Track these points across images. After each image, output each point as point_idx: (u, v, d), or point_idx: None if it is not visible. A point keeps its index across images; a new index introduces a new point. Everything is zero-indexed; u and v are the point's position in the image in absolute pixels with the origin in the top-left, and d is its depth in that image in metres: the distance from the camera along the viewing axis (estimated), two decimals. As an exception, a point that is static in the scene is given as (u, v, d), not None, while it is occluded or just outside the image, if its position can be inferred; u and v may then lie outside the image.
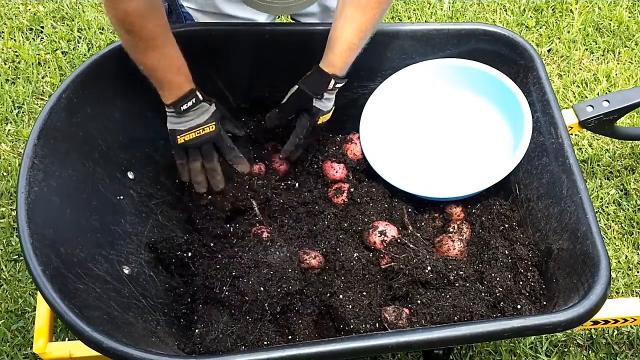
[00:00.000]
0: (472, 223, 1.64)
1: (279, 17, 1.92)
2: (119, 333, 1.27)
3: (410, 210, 1.65)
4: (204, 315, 1.46)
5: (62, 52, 2.63)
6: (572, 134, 2.20)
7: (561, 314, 1.24)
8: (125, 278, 1.46)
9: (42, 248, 1.29)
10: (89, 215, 1.48)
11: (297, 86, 1.59)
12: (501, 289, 1.45)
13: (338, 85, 1.57)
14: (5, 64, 2.60)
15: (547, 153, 1.55)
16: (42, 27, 2.73)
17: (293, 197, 1.70)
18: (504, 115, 1.70)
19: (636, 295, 1.98)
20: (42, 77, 2.56)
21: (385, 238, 1.56)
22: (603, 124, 1.90)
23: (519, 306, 1.42)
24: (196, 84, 1.55)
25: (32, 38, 2.69)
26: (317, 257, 1.55)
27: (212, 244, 1.60)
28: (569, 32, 2.67)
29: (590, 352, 1.87)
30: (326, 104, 1.61)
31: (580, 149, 2.31)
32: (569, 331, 1.86)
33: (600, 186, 2.22)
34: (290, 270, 1.48)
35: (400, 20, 2.73)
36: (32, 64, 2.58)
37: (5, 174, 2.27)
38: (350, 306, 1.46)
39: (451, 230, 1.63)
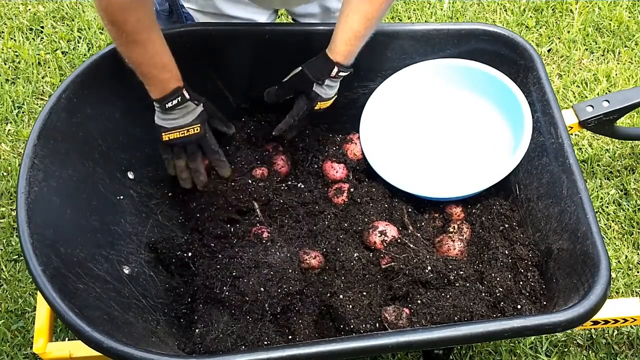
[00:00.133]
0: (472, 223, 1.64)
1: (279, 17, 1.92)
2: (119, 333, 1.27)
3: (410, 210, 1.65)
4: (204, 315, 1.46)
5: (62, 52, 2.63)
6: (572, 134, 2.20)
7: (561, 314, 1.24)
8: (125, 278, 1.46)
9: (42, 248, 1.29)
10: (89, 215, 1.48)
11: (300, 68, 1.58)
12: (501, 289, 1.45)
13: (342, 74, 1.56)
14: (5, 64, 2.60)
15: (547, 153, 1.55)
16: (42, 27, 2.73)
17: (293, 197, 1.70)
18: (504, 115, 1.70)
19: (636, 295, 1.98)
20: (42, 77, 2.56)
21: (385, 238, 1.56)
22: (603, 124, 1.90)
23: (519, 306, 1.42)
24: (196, 84, 1.55)
25: (32, 38, 2.69)
26: (317, 257, 1.55)
27: (212, 244, 1.60)
28: (569, 32, 2.67)
29: (590, 352, 1.87)
30: (327, 91, 1.60)
31: (580, 149, 2.31)
32: (569, 331, 1.86)
33: (600, 186, 2.22)
34: (290, 270, 1.48)
35: (400, 20, 2.73)
36: (32, 64, 2.58)
37: (5, 174, 2.27)
38: (351, 306, 1.46)
39: (451, 230, 1.63)
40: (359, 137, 1.75)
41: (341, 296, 1.48)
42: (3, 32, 2.71)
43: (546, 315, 1.25)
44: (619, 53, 2.60)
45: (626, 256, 2.05)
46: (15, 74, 2.57)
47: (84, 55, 2.62)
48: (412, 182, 1.64)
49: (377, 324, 1.44)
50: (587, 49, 2.62)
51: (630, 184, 2.21)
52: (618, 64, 2.56)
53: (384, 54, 1.74)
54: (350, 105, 1.83)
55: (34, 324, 1.62)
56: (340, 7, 1.52)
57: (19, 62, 2.61)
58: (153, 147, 1.72)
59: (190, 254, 1.58)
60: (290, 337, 1.45)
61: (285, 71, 1.66)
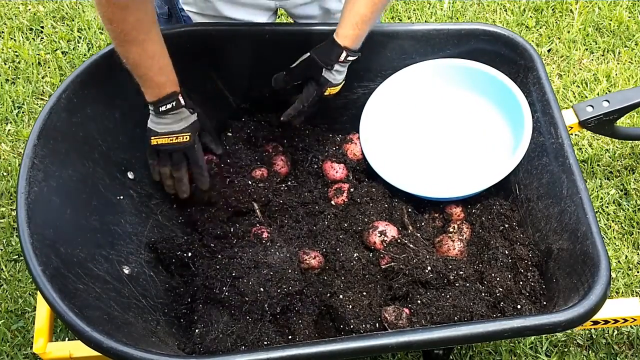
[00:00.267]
0: (472, 223, 1.64)
1: (278, 17, 1.91)
2: (119, 333, 1.27)
3: (410, 210, 1.65)
4: (204, 315, 1.46)
5: (62, 52, 2.63)
6: (572, 134, 2.20)
7: (561, 314, 1.24)
8: (125, 278, 1.46)
9: (42, 248, 1.29)
10: (89, 215, 1.48)
11: (308, 54, 1.58)
12: (501, 289, 1.45)
13: (350, 58, 1.55)
14: (5, 64, 2.60)
15: (547, 153, 1.55)
16: (42, 27, 2.73)
17: (293, 197, 1.70)
18: (504, 115, 1.70)
19: (636, 295, 1.98)
20: (42, 77, 2.56)
21: (385, 238, 1.56)
22: (603, 124, 1.90)
23: (519, 306, 1.42)
24: (196, 84, 1.55)
25: (32, 38, 2.69)
26: (317, 257, 1.55)
27: (212, 244, 1.60)
28: (569, 32, 2.67)
29: (590, 352, 1.87)
30: (336, 76, 1.59)
31: (580, 149, 2.31)
32: (569, 331, 1.86)
33: (600, 186, 2.22)
34: (290, 270, 1.48)
35: (400, 20, 2.73)
36: (32, 64, 2.58)
37: (5, 174, 2.27)
38: (350, 306, 1.46)
39: (451, 230, 1.63)
40: (359, 137, 1.75)
41: (341, 296, 1.48)
42: (3, 32, 2.71)
43: (546, 315, 1.25)
44: (619, 53, 2.60)
45: (626, 256, 2.05)
46: (15, 74, 2.57)
47: (84, 55, 2.62)
48: (412, 182, 1.64)
49: (377, 324, 1.44)
50: (587, 49, 2.62)
51: (630, 184, 2.21)
52: (618, 64, 2.56)
53: (384, 54, 1.74)
54: (350, 105, 1.83)
55: (34, 324, 1.62)
56: None
57: (19, 62, 2.61)
58: (153, 147, 1.72)
59: (190, 254, 1.58)
60: (290, 337, 1.45)
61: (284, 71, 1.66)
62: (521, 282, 1.47)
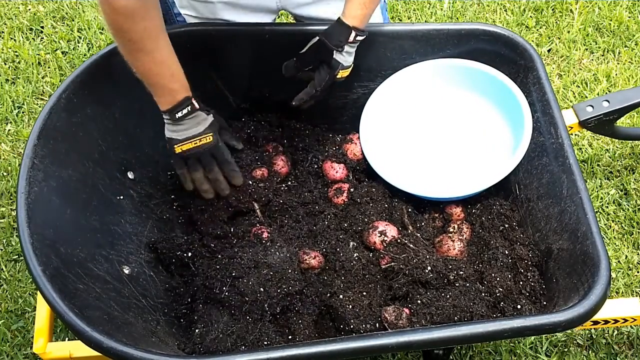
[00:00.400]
0: (472, 223, 1.64)
1: (278, 17, 1.91)
2: (119, 333, 1.27)
3: (410, 210, 1.65)
4: (204, 315, 1.46)
5: (62, 52, 2.63)
6: (572, 134, 2.20)
7: (561, 314, 1.24)
8: (125, 278, 1.46)
9: (42, 248, 1.29)
10: (89, 215, 1.48)
11: (317, 37, 1.57)
12: (501, 289, 1.45)
13: (359, 38, 1.55)
14: (5, 64, 2.60)
15: (547, 153, 1.55)
16: (42, 27, 2.73)
17: (293, 197, 1.70)
18: (504, 115, 1.70)
19: (636, 295, 1.98)
20: (42, 77, 2.56)
21: (385, 238, 1.56)
22: (603, 124, 1.90)
23: (519, 306, 1.42)
24: (196, 84, 1.55)
25: (32, 38, 2.69)
26: (317, 257, 1.55)
27: (212, 244, 1.60)
28: (569, 32, 2.67)
29: (590, 352, 1.87)
30: (347, 57, 1.58)
31: (580, 149, 2.31)
32: (569, 331, 1.86)
33: (600, 186, 2.22)
34: (290, 270, 1.48)
35: (400, 20, 2.73)
36: (32, 64, 2.58)
37: (5, 174, 2.27)
38: (350, 306, 1.46)
39: (451, 230, 1.63)
40: (359, 137, 1.75)
41: (341, 296, 1.48)
42: (3, 32, 2.71)
43: (546, 315, 1.25)
44: (619, 53, 2.60)
45: (626, 256, 2.05)
46: (15, 74, 2.57)
47: (84, 55, 2.62)
48: (412, 182, 1.64)
49: (377, 324, 1.44)
50: (587, 49, 2.62)
51: (630, 184, 2.21)
52: (618, 64, 2.56)
53: (384, 54, 1.74)
54: (350, 105, 1.83)
55: (34, 324, 1.62)
56: None
57: (19, 62, 2.61)
58: (153, 147, 1.72)
59: (190, 254, 1.58)
60: (290, 337, 1.45)
61: (285, 71, 1.66)
62: (521, 282, 1.47)
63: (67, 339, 1.86)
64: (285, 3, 1.76)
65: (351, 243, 1.57)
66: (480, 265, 1.52)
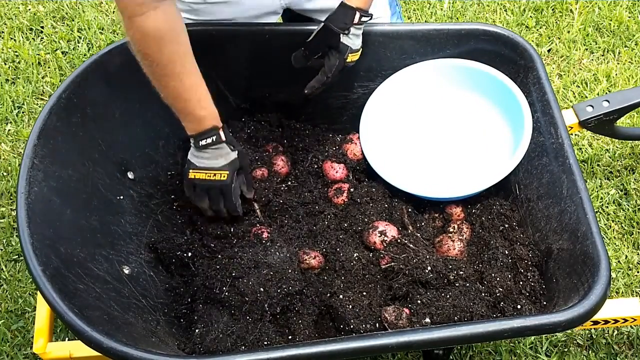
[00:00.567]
0: (472, 223, 1.64)
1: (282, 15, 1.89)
2: (119, 333, 1.27)
3: (410, 210, 1.65)
4: (204, 315, 1.46)
5: (62, 52, 2.63)
6: (572, 134, 2.20)
7: (561, 314, 1.24)
8: (125, 278, 1.46)
9: (42, 248, 1.29)
10: (89, 215, 1.48)
11: (322, 23, 1.55)
12: (501, 289, 1.45)
13: (364, 19, 1.54)
14: (5, 64, 2.60)
15: (547, 153, 1.55)
16: (42, 27, 2.73)
17: (293, 197, 1.70)
18: (504, 115, 1.70)
19: (636, 295, 1.98)
20: (42, 77, 2.56)
21: (385, 238, 1.56)
22: (603, 124, 1.90)
23: (519, 306, 1.42)
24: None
25: (32, 38, 2.69)
26: (317, 257, 1.55)
27: (212, 244, 1.60)
28: (569, 32, 2.67)
29: (590, 352, 1.87)
30: (354, 40, 1.57)
31: (580, 149, 2.31)
32: (569, 331, 1.86)
33: (600, 186, 2.22)
34: (290, 270, 1.48)
35: (400, 20, 2.73)
36: (32, 64, 2.58)
37: (5, 174, 2.27)
38: (350, 306, 1.46)
39: (451, 230, 1.63)
40: (359, 137, 1.75)
41: (341, 296, 1.48)
42: (3, 32, 2.71)
43: (546, 315, 1.25)
44: (619, 53, 2.60)
45: (626, 256, 2.05)
46: (15, 74, 2.57)
47: (84, 55, 2.62)
48: (412, 182, 1.64)
49: (377, 324, 1.44)
50: (587, 49, 2.62)
51: (630, 184, 2.21)
52: (618, 64, 2.56)
53: (384, 54, 1.74)
54: (350, 105, 1.83)
55: (34, 324, 1.62)
56: None
57: (19, 62, 2.61)
58: (153, 147, 1.72)
59: (190, 254, 1.58)
60: (290, 337, 1.45)
61: (285, 71, 1.66)
62: (521, 282, 1.47)
63: (67, 339, 1.86)
64: (290, 1, 1.75)
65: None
66: (480, 265, 1.52)
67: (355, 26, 1.54)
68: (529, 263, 1.50)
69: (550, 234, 1.50)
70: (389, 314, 1.43)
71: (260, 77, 1.78)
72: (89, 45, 2.65)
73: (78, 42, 2.67)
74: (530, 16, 2.73)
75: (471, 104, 1.75)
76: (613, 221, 2.14)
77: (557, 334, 1.88)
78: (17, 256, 2.08)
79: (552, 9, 2.76)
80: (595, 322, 1.56)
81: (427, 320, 1.40)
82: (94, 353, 1.22)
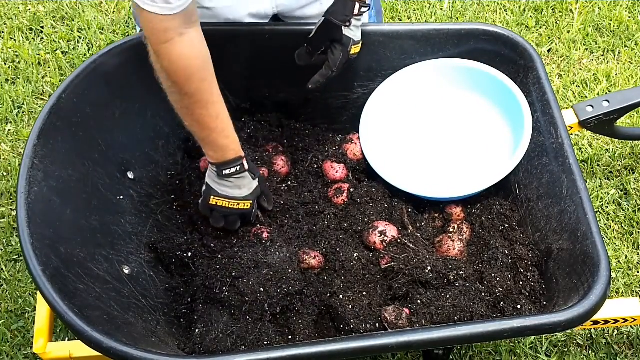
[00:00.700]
0: (472, 223, 1.64)
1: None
2: (119, 333, 1.27)
3: (410, 210, 1.65)
4: (204, 315, 1.46)
5: (62, 52, 2.63)
6: (572, 134, 2.20)
7: (561, 314, 1.24)
8: (125, 278, 1.46)
9: (42, 248, 1.29)
10: (89, 215, 1.48)
11: (323, 18, 1.56)
12: (501, 289, 1.45)
13: (364, 10, 1.54)
14: (5, 64, 2.60)
15: (547, 153, 1.55)
16: (42, 27, 2.73)
17: (293, 197, 1.70)
18: (504, 115, 1.70)
19: (636, 295, 1.98)
20: (42, 77, 2.56)
21: (385, 238, 1.56)
22: (603, 124, 1.90)
23: (519, 306, 1.42)
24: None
25: (32, 38, 2.69)
26: (317, 257, 1.55)
27: (212, 244, 1.60)
28: (569, 32, 2.67)
29: (590, 352, 1.87)
30: (355, 32, 1.57)
31: (580, 149, 2.31)
32: (569, 331, 1.86)
33: (600, 186, 2.22)
34: (290, 270, 1.48)
35: (400, 20, 2.73)
36: (32, 64, 2.58)
37: (5, 174, 2.27)
38: (350, 306, 1.46)
39: (451, 230, 1.63)
40: (359, 137, 1.75)
41: (341, 296, 1.48)
42: (3, 32, 2.71)
43: (546, 315, 1.25)
44: (619, 53, 2.60)
45: (626, 256, 2.05)
46: (15, 74, 2.57)
47: (84, 55, 2.61)
48: (412, 182, 1.64)
49: (377, 324, 1.44)
50: (587, 49, 2.62)
51: (630, 184, 2.20)
52: (618, 64, 2.56)
53: (384, 54, 1.74)
54: (350, 105, 1.83)
55: (34, 324, 1.62)
56: None
57: (19, 62, 2.61)
58: (153, 147, 1.72)
59: (190, 254, 1.58)
60: (290, 337, 1.45)
61: (285, 71, 1.66)
62: (521, 282, 1.47)
63: (67, 339, 1.86)
64: (281, 6, 1.75)
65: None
66: (480, 265, 1.52)
67: (355, 17, 1.54)
68: (529, 263, 1.50)
69: (550, 234, 1.50)
70: (389, 314, 1.43)
71: (260, 77, 1.78)
72: (89, 45, 2.65)
73: (78, 42, 2.67)
74: (530, 16, 2.73)
75: (471, 104, 1.75)
76: (613, 221, 2.14)
77: (557, 334, 1.88)
78: (17, 256, 2.08)
79: (552, 9, 2.76)
80: (595, 322, 1.56)
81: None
82: (94, 353, 1.22)
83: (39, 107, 2.47)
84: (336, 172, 1.74)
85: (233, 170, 1.47)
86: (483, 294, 1.45)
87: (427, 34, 1.72)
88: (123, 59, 1.60)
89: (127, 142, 1.65)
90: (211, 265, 1.52)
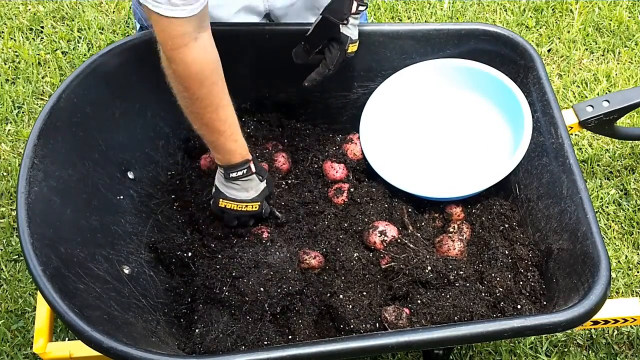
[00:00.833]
0: (472, 223, 1.64)
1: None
2: (119, 333, 1.27)
3: (410, 210, 1.65)
4: (204, 315, 1.46)
5: (62, 52, 2.63)
6: (572, 134, 2.20)
7: (561, 314, 1.24)
8: (126, 278, 1.46)
9: (42, 248, 1.29)
10: (89, 215, 1.48)
11: (320, 16, 1.55)
12: (501, 289, 1.45)
13: (361, 9, 1.54)
14: (5, 64, 2.60)
15: (547, 153, 1.55)
16: (42, 27, 2.73)
17: (293, 197, 1.70)
18: (504, 115, 1.70)
19: (636, 295, 1.98)
20: (42, 77, 2.56)
21: (385, 238, 1.56)
22: (603, 124, 1.90)
23: (519, 306, 1.42)
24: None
25: (32, 38, 2.69)
26: (317, 257, 1.55)
27: (212, 244, 1.60)
28: (569, 32, 2.67)
29: (590, 352, 1.87)
30: (353, 30, 1.57)
31: (580, 149, 2.31)
32: (569, 331, 1.86)
33: (600, 186, 2.22)
34: (290, 270, 1.48)
35: (400, 20, 2.73)
36: (32, 64, 2.58)
37: (5, 174, 2.27)
38: (350, 306, 1.46)
39: (451, 230, 1.63)
40: (359, 137, 1.75)
41: (341, 296, 1.48)
42: (3, 32, 2.71)
43: (546, 315, 1.25)
44: (619, 53, 2.60)
45: (626, 256, 2.05)
46: (15, 74, 2.57)
47: (84, 55, 2.61)
48: (412, 182, 1.64)
49: (377, 324, 1.44)
50: (587, 49, 2.62)
51: (630, 184, 2.20)
52: (618, 64, 2.56)
53: (384, 54, 1.74)
54: (350, 105, 1.83)
55: (34, 324, 1.62)
56: None
57: (19, 62, 2.61)
58: (153, 147, 1.72)
59: (190, 254, 1.58)
60: (290, 337, 1.45)
61: (285, 71, 1.66)
62: (521, 282, 1.47)
63: (67, 339, 1.86)
64: (273, 5, 1.75)
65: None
66: (480, 265, 1.52)
67: (352, 16, 1.54)
68: (529, 263, 1.50)
69: (550, 234, 1.50)
70: (389, 314, 1.43)
71: (260, 77, 1.78)
72: (89, 45, 2.65)
73: (78, 42, 2.67)
74: (530, 16, 2.73)
75: (471, 104, 1.75)
76: (613, 221, 2.14)
77: (557, 334, 1.88)
78: (17, 256, 2.08)
79: (552, 9, 2.76)
80: (595, 322, 1.56)
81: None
82: (94, 353, 1.22)
83: (39, 107, 2.47)
84: (336, 172, 1.74)
85: (240, 173, 1.48)
86: (483, 294, 1.45)
87: (427, 34, 1.72)
88: (123, 59, 1.60)
89: (127, 142, 1.65)
90: (211, 265, 1.52)
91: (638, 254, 2.06)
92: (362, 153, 1.73)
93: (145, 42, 1.55)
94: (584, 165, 2.27)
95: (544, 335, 1.89)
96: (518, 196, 1.63)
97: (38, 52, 2.63)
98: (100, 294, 1.35)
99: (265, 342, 1.41)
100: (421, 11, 2.75)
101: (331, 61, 1.57)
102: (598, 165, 2.27)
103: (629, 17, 2.71)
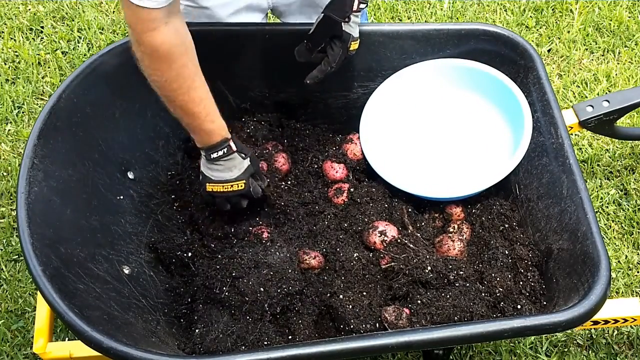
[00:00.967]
0: (472, 223, 1.64)
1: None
2: (119, 333, 1.27)
3: (410, 210, 1.65)
4: (204, 315, 1.46)
5: (62, 52, 2.63)
6: (572, 134, 2.20)
7: (561, 314, 1.24)
8: (125, 278, 1.46)
9: (42, 248, 1.29)
10: (89, 215, 1.48)
11: (322, 14, 1.56)
12: (501, 289, 1.45)
13: (362, 6, 1.54)
14: (5, 64, 2.60)
15: (547, 153, 1.55)
16: (42, 27, 2.73)
17: (293, 197, 1.70)
18: (504, 115, 1.70)
19: (636, 295, 1.98)
20: (42, 77, 2.56)
21: (385, 238, 1.56)
22: (603, 124, 1.90)
23: (519, 306, 1.42)
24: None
25: (32, 38, 2.69)
26: (317, 257, 1.55)
27: (212, 245, 1.60)
28: (569, 32, 2.67)
29: (590, 352, 1.87)
30: (354, 28, 1.57)
31: (580, 149, 2.31)
32: (569, 331, 1.86)
33: (600, 186, 2.22)
34: (290, 270, 1.48)
35: (400, 20, 2.73)
36: (32, 64, 2.58)
37: (5, 174, 2.27)
38: (350, 306, 1.46)
39: (451, 230, 1.63)
40: (359, 137, 1.75)
41: (341, 296, 1.48)
42: (3, 32, 2.71)
43: (546, 315, 1.25)
44: (619, 53, 2.60)
45: (626, 256, 2.05)
46: (15, 74, 2.57)
47: (84, 55, 2.62)
48: (412, 182, 1.64)
49: (377, 324, 1.44)
50: (587, 49, 2.62)
51: (630, 184, 2.20)
52: (618, 64, 2.56)
53: (384, 54, 1.74)
54: (350, 105, 1.83)
55: (34, 324, 1.62)
56: None
57: (19, 62, 2.61)
58: (153, 147, 1.72)
59: (190, 254, 1.58)
60: (290, 337, 1.45)
61: (285, 71, 1.66)
62: (521, 282, 1.47)
63: (67, 339, 1.86)
64: (277, 2, 1.75)
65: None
66: (480, 265, 1.52)
67: (354, 13, 1.54)
68: (529, 263, 1.50)
69: (550, 234, 1.50)
70: (389, 314, 1.43)
71: (260, 77, 1.78)
72: (89, 45, 2.65)
73: (78, 42, 2.67)
74: (530, 16, 2.73)
75: (471, 104, 1.75)
76: (613, 221, 2.14)
77: (557, 334, 1.88)
78: (17, 256, 2.08)
79: (552, 9, 2.76)
80: (595, 322, 1.56)
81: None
82: (94, 353, 1.22)
83: (39, 107, 2.47)
84: (336, 172, 1.74)
85: (220, 153, 1.47)
86: (483, 294, 1.45)
87: (427, 34, 1.72)
88: (123, 59, 1.60)
89: (127, 142, 1.65)
90: (211, 265, 1.52)
91: (638, 254, 2.06)
92: (362, 153, 1.73)
93: (145, 42, 1.55)
94: (584, 165, 2.27)
95: (544, 335, 1.89)
96: (518, 196, 1.63)
97: (38, 52, 2.63)
98: (100, 294, 1.35)
99: (265, 342, 1.41)
100: (421, 11, 2.75)
101: (333, 59, 1.58)
102: (598, 165, 2.27)
103: (629, 17, 2.71)
